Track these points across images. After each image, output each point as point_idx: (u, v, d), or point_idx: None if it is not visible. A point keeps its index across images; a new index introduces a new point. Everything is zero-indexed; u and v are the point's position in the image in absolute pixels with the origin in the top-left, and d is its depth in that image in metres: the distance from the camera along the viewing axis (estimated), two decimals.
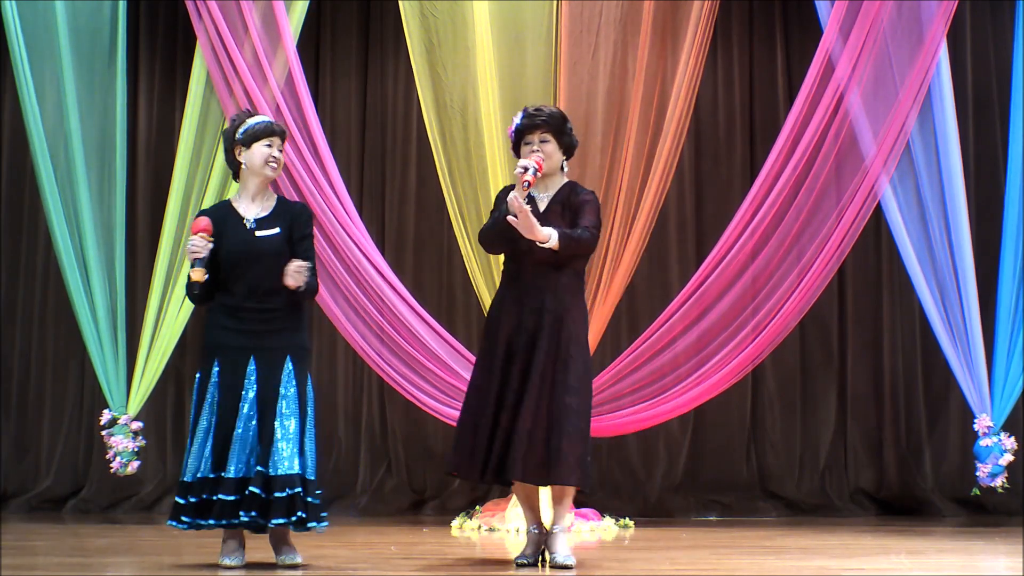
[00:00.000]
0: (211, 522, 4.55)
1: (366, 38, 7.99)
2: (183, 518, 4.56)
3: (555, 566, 4.68)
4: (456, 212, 6.84)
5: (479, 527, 6.54)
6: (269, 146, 4.73)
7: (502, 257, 6.58)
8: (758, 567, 4.94)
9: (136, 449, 6.92)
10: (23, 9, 6.96)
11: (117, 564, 5.05)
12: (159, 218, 7.12)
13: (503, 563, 5.08)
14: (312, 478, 4.62)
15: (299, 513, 4.52)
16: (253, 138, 4.74)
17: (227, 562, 4.62)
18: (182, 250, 6.82)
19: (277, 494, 4.49)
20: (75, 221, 6.97)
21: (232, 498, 4.50)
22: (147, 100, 7.98)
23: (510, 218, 4.63)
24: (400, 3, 6.94)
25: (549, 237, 4.62)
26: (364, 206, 7.71)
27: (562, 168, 4.93)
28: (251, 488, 4.48)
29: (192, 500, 4.56)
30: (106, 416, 6.93)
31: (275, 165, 4.74)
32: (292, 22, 6.92)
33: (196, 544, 5.32)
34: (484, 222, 4.80)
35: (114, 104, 7.03)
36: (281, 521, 4.51)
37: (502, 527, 6.46)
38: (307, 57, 7.42)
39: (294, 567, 4.62)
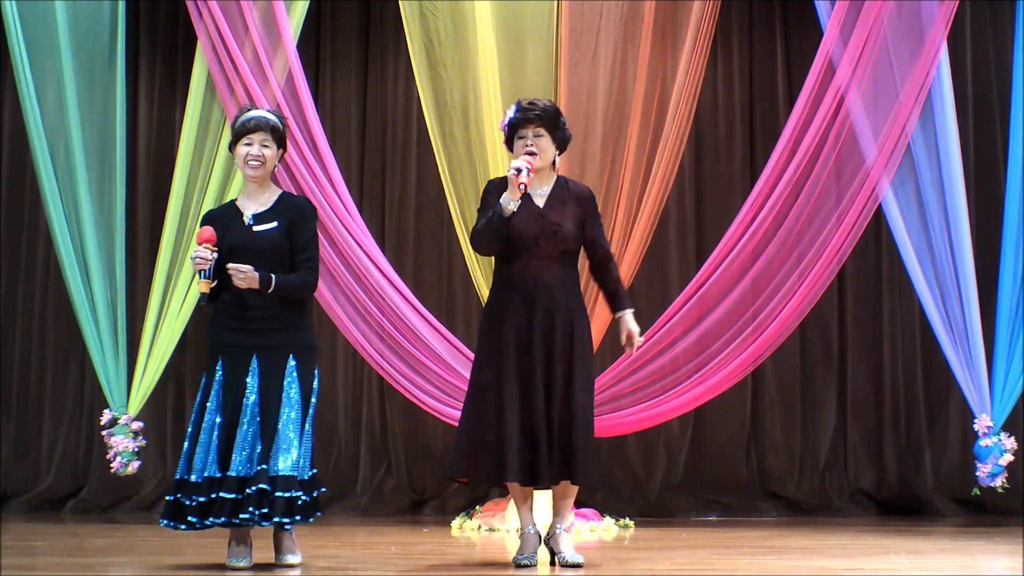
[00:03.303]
0: (211, 520, 4.53)
1: (366, 38, 7.98)
2: (190, 519, 4.53)
3: (566, 565, 4.67)
4: (456, 211, 6.84)
5: (479, 527, 6.54)
6: (249, 144, 4.69)
7: None
8: (758, 567, 4.94)
9: (137, 449, 6.92)
10: (23, 9, 6.96)
11: (117, 564, 5.05)
12: (160, 217, 7.11)
13: (503, 563, 5.08)
14: (304, 478, 4.58)
15: (297, 516, 4.52)
16: (235, 137, 4.74)
17: (236, 563, 4.61)
18: (183, 250, 6.83)
19: (279, 493, 4.49)
20: (75, 221, 6.97)
21: (233, 496, 4.49)
22: (147, 100, 7.98)
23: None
24: (400, 3, 6.94)
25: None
26: (364, 206, 7.70)
27: (553, 163, 4.86)
28: (254, 487, 4.47)
29: (201, 500, 4.52)
30: (107, 416, 6.93)
31: (255, 163, 4.68)
32: (292, 22, 6.92)
33: (197, 544, 5.32)
34: None
35: (114, 104, 7.03)
36: (280, 520, 4.50)
37: (502, 527, 6.46)
38: (307, 57, 7.42)
39: (294, 567, 4.62)
